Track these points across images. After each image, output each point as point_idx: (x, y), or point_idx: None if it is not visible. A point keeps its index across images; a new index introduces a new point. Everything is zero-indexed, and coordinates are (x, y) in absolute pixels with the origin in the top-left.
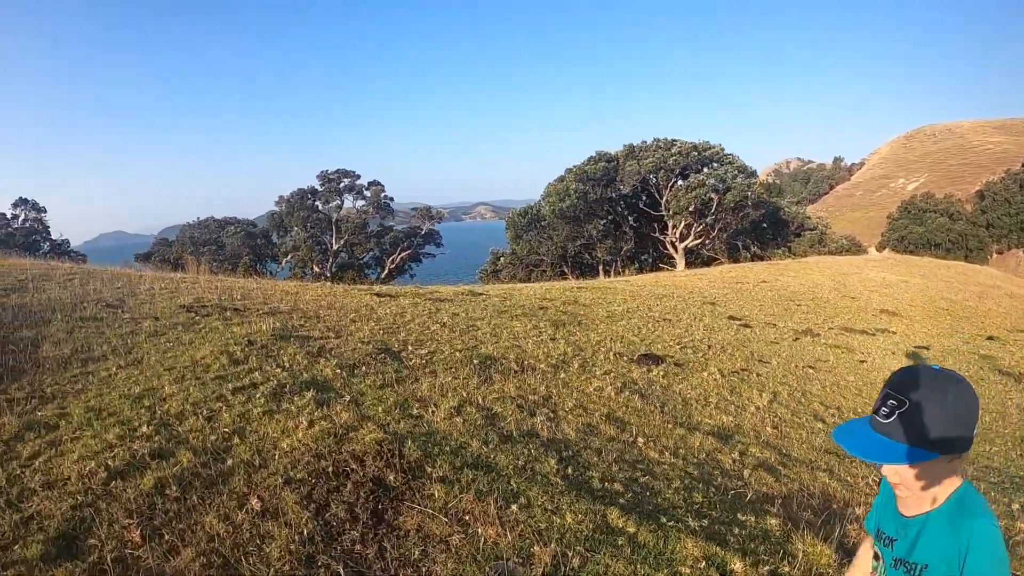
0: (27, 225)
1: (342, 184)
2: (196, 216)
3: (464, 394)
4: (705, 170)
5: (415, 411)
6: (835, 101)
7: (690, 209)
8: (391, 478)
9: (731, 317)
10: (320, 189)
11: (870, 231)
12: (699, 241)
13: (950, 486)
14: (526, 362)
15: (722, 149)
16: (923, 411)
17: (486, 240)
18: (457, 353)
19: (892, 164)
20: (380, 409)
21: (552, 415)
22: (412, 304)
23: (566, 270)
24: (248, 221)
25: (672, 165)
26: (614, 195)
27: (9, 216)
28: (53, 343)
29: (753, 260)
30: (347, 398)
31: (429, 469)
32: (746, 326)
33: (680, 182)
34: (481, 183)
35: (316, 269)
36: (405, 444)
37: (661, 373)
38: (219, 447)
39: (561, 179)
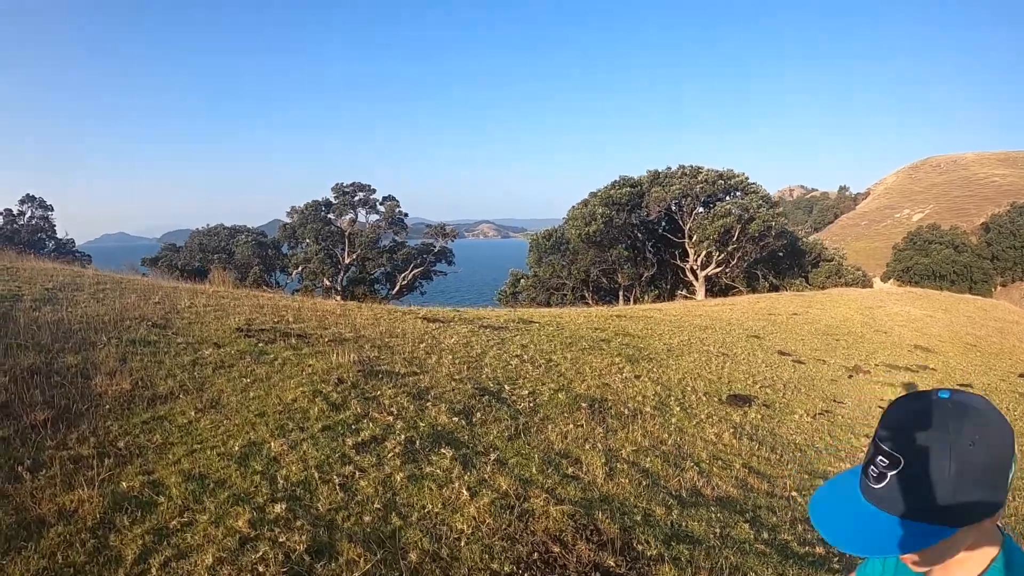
0: (33, 223)
1: (356, 197)
2: (205, 222)
3: (600, 446)
4: (728, 199)
5: (569, 470)
6: (839, 130)
7: (714, 237)
8: (610, 563)
9: (781, 352)
10: (334, 202)
11: (875, 261)
12: (719, 269)
13: (984, 556)
14: (628, 404)
15: (746, 178)
16: (927, 467)
17: (492, 259)
18: (560, 395)
19: (897, 195)
20: (532, 470)
21: (698, 468)
22: (471, 332)
23: (587, 295)
24: (258, 231)
25: (699, 193)
26: (637, 221)
27: (15, 212)
28: (106, 374)
29: (771, 290)
30: (491, 456)
31: (639, 547)
32: (799, 362)
33: (700, 209)
34: (484, 202)
35: (327, 282)
36: (595, 516)
37: (758, 415)
38: (383, 533)
39: (585, 203)
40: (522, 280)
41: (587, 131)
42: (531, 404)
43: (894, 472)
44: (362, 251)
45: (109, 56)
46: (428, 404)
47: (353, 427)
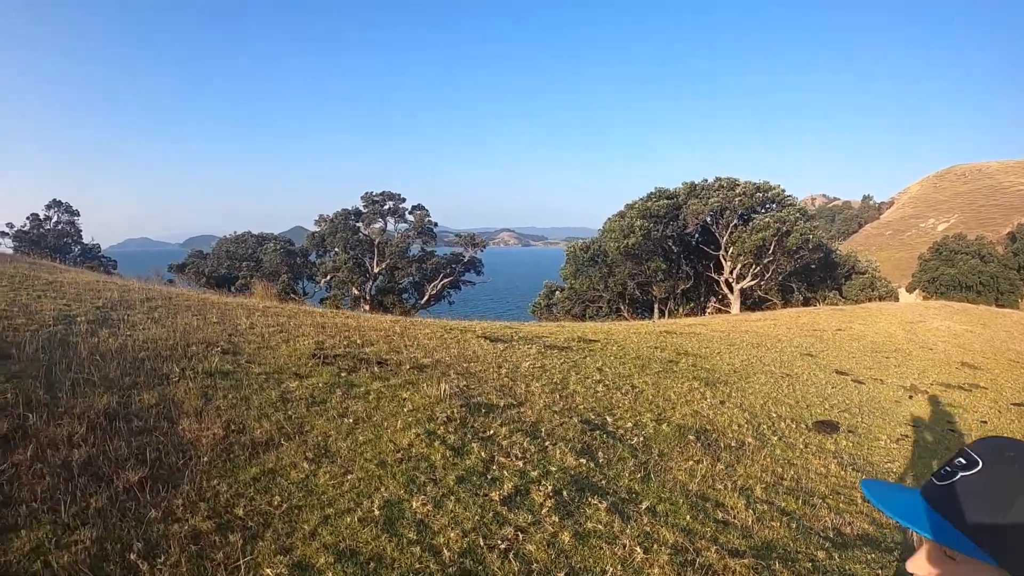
0: (59, 227)
1: (386, 206)
2: (231, 229)
3: (729, 485)
4: (764, 211)
5: (718, 515)
6: (861, 138)
7: (751, 251)
8: None
9: (838, 372)
10: (364, 210)
11: (900, 271)
12: (754, 282)
13: None
14: (727, 435)
15: (782, 190)
16: (999, 485)
17: (515, 267)
18: (663, 427)
19: (922, 204)
20: (686, 517)
21: (827, 505)
22: (539, 354)
23: (622, 307)
24: (286, 239)
25: (737, 206)
26: (673, 233)
27: (42, 217)
28: (192, 416)
29: (804, 304)
30: (642, 505)
31: None
32: (858, 382)
33: (735, 221)
34: (504, 210)
35: (355, 291)
36: (773, 567)
37: (848, 443)
38: None
39: (622, 215)
40: (556, 292)
41: (608, 141)
42: (640, 438)
43: (966, 473)
44: (391, 260)
45: (133, 61)
46: (547, 444)
47: (487, 476)
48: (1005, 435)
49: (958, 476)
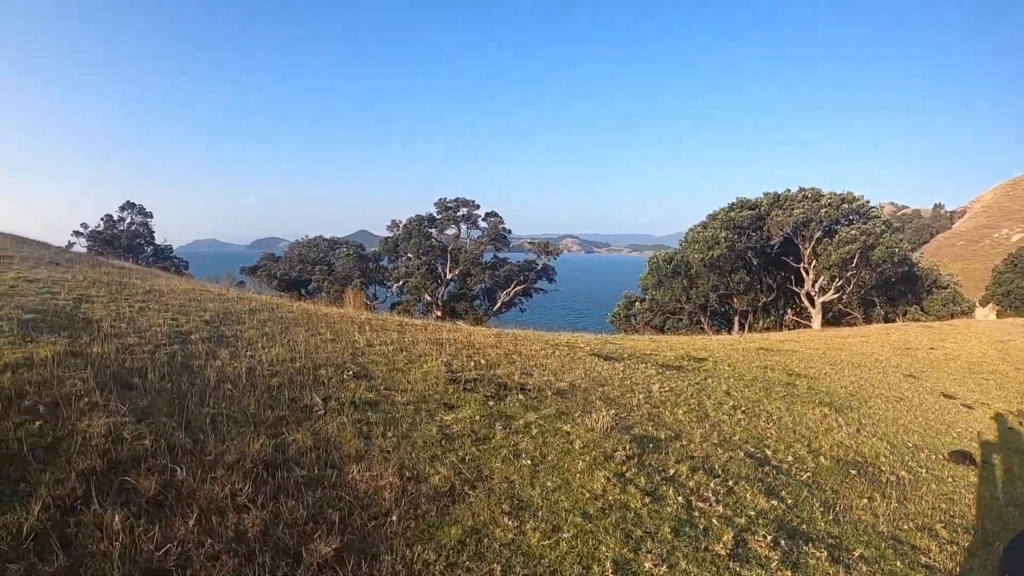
0: (132, 228)
1: (459, 213)
2: (302, 232)
3: (910, 524)
4: (847, 223)
5: (920, 559)
6: (930, 144)
7: (837, 263)
8: None
9: (944, 395)
10: (438, 216)
11: (973, 284)
12: (836, 296)
13: None
14: (882, 468)
15: (866, 202)
16: None
17: (580, 274)
18: (821, 460)
19: (996, 213)
20: (895, 563)
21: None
22: (660, 375)
23: (703, 320)
24: (356, 243)
25: (823, 217)
26: (756, 245)
27: (116, 218)
28: (356, 460)
29: (887, 319)
30: (855, 552)
31: None
32: (967, 407)
33: (819, 233)
34: (567, 217)
35: (428, 297)
36: None
37: (989, 475)
38: None
39: (704, 226)
40: (636, 303)
41: (675, 150)
42: (808, 473)
43: None
44: (464, 266)
45: (208, 68)
46: (730, 483)
47: (695, 525)
48: None
49: None
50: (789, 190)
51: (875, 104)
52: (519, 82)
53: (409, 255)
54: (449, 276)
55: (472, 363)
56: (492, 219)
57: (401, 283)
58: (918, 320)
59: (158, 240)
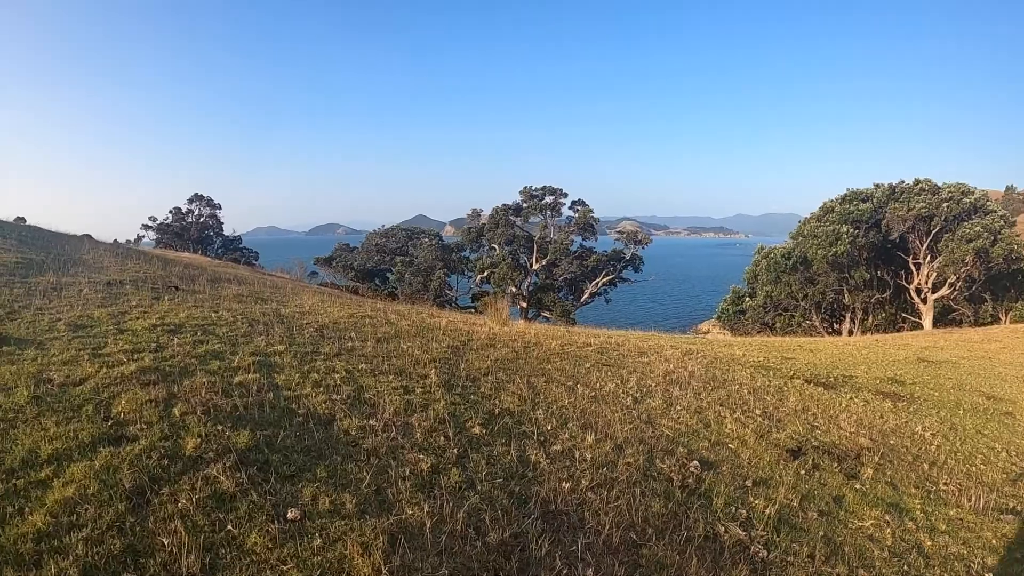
0: (201, 220)
1: (545, 200)
2: (356, 219)
3: None
4: (965, 217)
5: None
6: (988, 125)
7: (962, 260)
8: None
9: None
10: (524, 205)
11: None
12: (948, 292)
13: None
14: None
15: (984, 194)
16: None
17: (650, 261)
18: None
19: None
20: None
21: None
22: (895, 409)
23: (815, 317)
24: (434, 232)
25: (945, 212)
26: (876, 240)
27: (184, 211)
28: None
29: (994, 317)
30: None
31: None
32: None
33: (936, 228)
34: (625, 198)
35: (513, 289)
36: None
37: None
38: None
39: (819, 219)
40: (746, 298)
41: (736, 134)
42: None
43: None
44: (553, 256)
45: (263, 61)
46: None
47: None
48: None
49: None
50: (903, 181)
51: (933, 84)
52: (585, 69)
53: (494, 245)
54: (536, 266)
55: (738, 415)
56: (580, 208)
57: (485, 274)
58: None
59: (226, 231)
